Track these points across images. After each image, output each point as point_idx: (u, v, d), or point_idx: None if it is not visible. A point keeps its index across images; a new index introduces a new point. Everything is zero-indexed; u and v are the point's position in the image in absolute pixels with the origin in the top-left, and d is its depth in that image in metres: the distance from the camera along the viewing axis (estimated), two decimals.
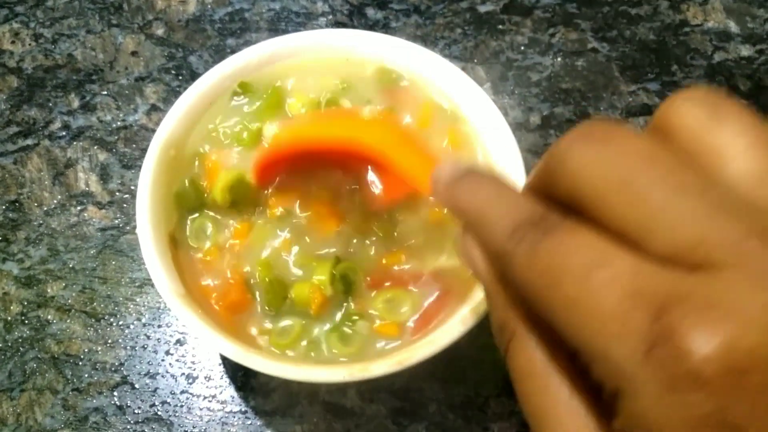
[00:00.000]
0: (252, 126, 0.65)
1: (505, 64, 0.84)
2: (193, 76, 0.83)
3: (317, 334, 0.59)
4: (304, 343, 0.59)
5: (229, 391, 0.67)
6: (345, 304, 0.60)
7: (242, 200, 0.63)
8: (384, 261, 0.61)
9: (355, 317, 0.59)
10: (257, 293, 0.60)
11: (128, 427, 0.66)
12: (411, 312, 0.59)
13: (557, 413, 0.33)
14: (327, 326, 0.59)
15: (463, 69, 0.67)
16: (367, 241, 0.61)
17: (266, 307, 0.59)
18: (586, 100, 0.81)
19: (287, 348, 0.59)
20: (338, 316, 0.59)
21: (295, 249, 0.61)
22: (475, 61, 0.84)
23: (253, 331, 0.59)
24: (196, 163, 0.65)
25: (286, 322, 0.59)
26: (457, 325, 0.56)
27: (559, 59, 0.84)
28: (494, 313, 0.38)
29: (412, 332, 0.59)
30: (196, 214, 0.63)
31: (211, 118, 0.66)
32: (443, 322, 0.58)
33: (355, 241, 0.61)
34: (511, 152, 0.62)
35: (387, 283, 0.60)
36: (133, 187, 0.77)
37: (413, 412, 0.66)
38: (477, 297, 0.57)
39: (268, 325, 0.59)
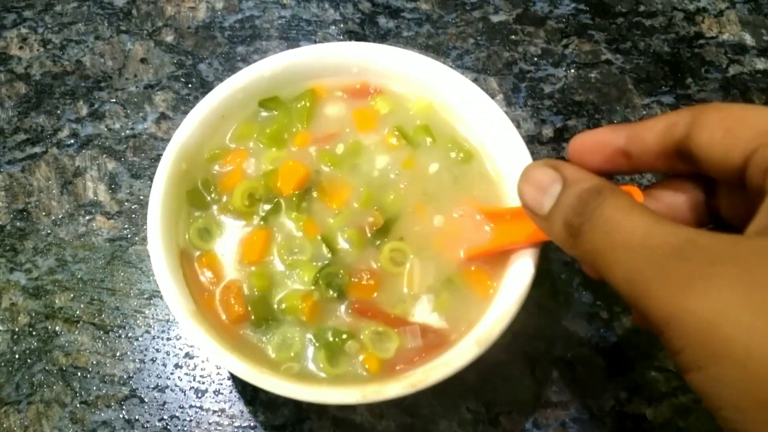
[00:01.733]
0: (273, 137, 0.66)
1: (518, 76, 0.83)
2: (203, 84, 0.82)
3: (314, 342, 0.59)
4: (310, 353, 0.59)
5: (239, 406, 0.67)
6: (338, 309, 0.60)
7: (256, 208, 0.63)
8: (378, 263, 0.61)
9: (345, 335, 0.59)
10: (248, 305, 0.60)
11: None
12: (394, 353, 0.59)
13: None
14: (326, 334, 0.59)
15: (475, 80, 0.67)
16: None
17: (255, 318, 0.60)
18: (600, 112, 0.81)
19: (292, 361, 0.58)
20: (329, 333, 0.59)
21: (292, 257, 0.62)
22: (488, 72, 0.83)
23: (258, 342, 0.59)
24: (216, 167, 0.65)
25: (283, 333, 0.59)
26: (472, 347, 0.55)
27: (572, 71, 0.83)
28: (579, 186, 0.45)
29: (389, 372, 0.58)
30: (203, 213, 0.63)
31: (226, 130, 0.66)
32: (449, 354, 0.57)
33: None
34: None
35: (369, 313, 0.60)
36: (142, 197, 0.76)
37: (424, 428, 0.66)
38: (479, 332, 0.57)
39: (268, 336, 0.59)
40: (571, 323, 0.70)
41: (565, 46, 0.85)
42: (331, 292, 0.60)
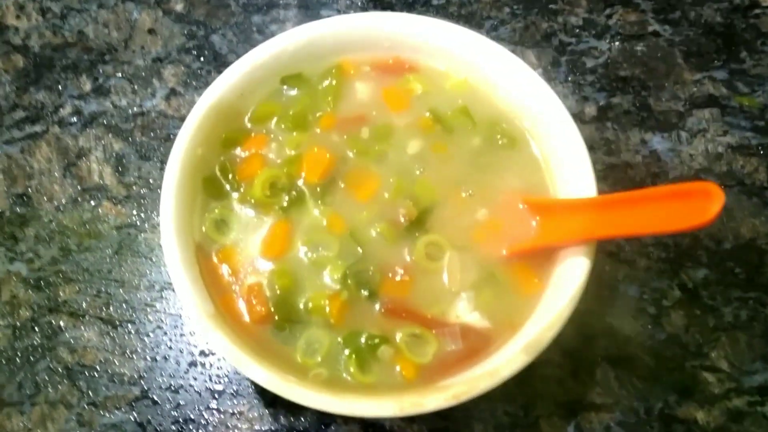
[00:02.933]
0: (297, 119, 0.60)
1: (557, 49, 0.77)
2: (216, 57, 0.76)
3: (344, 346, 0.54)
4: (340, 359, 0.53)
5: (259, 409, 0.62)
6: (369, 309, 0.55)
7: (278, 198, 0.57)
8: (412, 258, 0.56)
9: (377, 340, 0.53)
10: (271, 305, 0.55)
11: None
12: (432, 357, 0.54)
13: None
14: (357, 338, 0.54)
15: (512, 53, 0.60)
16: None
17: (279, 319, 0.54)
18: (646, 89, 0.74)
19: (320, 367, 0.53)
20: (360, 337, 0.54)
21: (317, 253, 0.56)
22: (525, 44, 0.76)
23: (283, 345, 0.54)
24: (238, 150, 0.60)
25: (310, 336, 0.54)
26: (519, 355, 0.50)
27: (616, 43, 0.77)
28: None
29: (427, 379, 0.53)
30: (220, 203, 0.58)
31: (244, 110, 0.60)
32: (493, 360, 0.52)
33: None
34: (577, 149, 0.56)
35: (404, 314, 0.55)
36: (151, 181, 0.70)
37: None
38: (529, 333, 0.52)
39: (293, 339, 0.54)
40: (615, 319, 0.65)
41: (609, 16, 0.78)
42: (362, 291, 0.54)
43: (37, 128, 0.73)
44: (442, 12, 0.78)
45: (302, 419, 0.62)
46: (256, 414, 0.62)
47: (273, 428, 0.61)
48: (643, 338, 0.64)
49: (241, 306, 0.55)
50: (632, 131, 0.72)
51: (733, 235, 0.68)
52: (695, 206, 0.45)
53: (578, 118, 0.73)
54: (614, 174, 0.70)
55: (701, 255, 0.67)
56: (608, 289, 0.66)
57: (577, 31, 0.77)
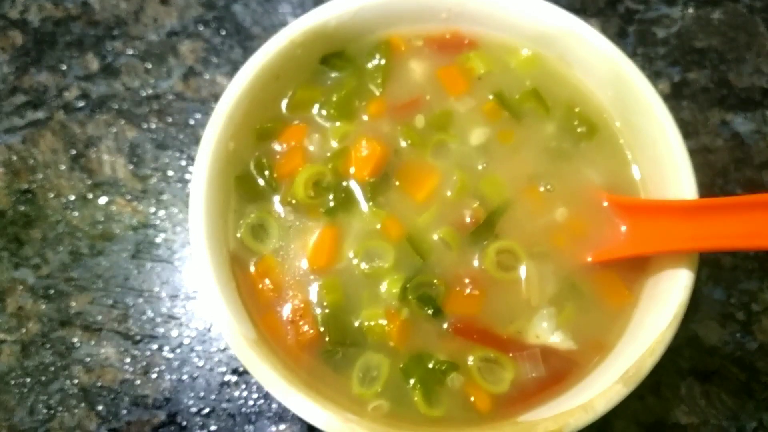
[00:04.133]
0: (342, 106, 0.52)
1: (623, 17, 0.69)
2: (239, 30, 0.67)
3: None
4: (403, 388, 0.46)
5: None
6: (435, 329, 0.47)
7: (323, 199, 0.50)
8: (482, 267, 0.49)
9: (445, 366, 0.46)
10: (320, 325, 0.48)
11: None
12: (509, 385, 0.46)
13: None
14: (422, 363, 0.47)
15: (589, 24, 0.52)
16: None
17: (331, 344, 0.47)
18: (725, 63, 0.67)
19: (379, 398, 0.46)
20: (426, 362, 0.47)
21: (371, 263, 0.49)
22: (587, 12, 0.68)
23: (336, 373, 0.47)
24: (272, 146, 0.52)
25: (367, 361, 0.47)
26: (617, 386, 0.43)
27: (690, 11, 0.69)
28: None
29: (504, 412, 0.46)
30: (257, 206, 0.50)
31: (281, 95, 0.52)
32: (582, 388, 0.45)
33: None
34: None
35: (475, 335, 0.47)
36: (170, 173, 0.62)
37: None
38: (622, 357, 0.45)
39: (347, 366, 0.47)
40: (700, 327, 0.59)
41: None
42: (425, 309, 0.47)
43: (40, 114, 0.65)
44: None
45: None
46: None
47: None
48: (732, 348, 0.58)
49: (286, 327, 0.47)
50: (711, 111, 0.65)
51: None
52: None
53: None
54: (692, 160, 0.62)
55: None
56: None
57: None
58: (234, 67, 0.66)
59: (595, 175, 0.51)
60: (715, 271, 0.59)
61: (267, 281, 0.48)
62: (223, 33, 0.68)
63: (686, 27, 0.68)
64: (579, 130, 0.52)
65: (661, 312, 0.45)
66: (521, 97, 0.53)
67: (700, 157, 0.63)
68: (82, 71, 0.67)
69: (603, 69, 0.52)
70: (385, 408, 0.46)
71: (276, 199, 0.50)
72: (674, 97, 0.65)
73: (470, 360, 0.47)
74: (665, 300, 0.45)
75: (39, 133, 0.64)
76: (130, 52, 0.67)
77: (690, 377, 0.57)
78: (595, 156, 0.52)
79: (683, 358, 0.57)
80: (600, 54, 0.51)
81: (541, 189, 0.51)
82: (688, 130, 0.64)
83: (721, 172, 0.62)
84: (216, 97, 0.64)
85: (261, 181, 0.51)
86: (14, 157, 0.63)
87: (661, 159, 0.49)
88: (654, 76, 0.66)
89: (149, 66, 0.67)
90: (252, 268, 0.49)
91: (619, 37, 0.67)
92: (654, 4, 0.69)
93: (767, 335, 0.58)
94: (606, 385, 0.43)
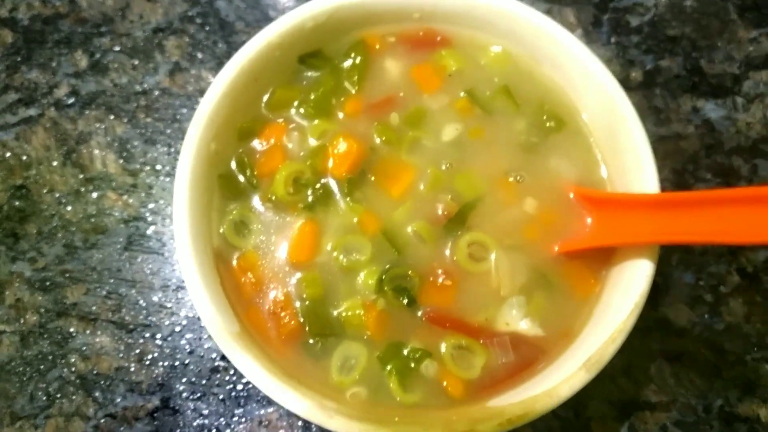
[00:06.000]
0: (319, 104, 0.54)
1: (598, 6, 0.70)
2: (222, 26, 0.69)
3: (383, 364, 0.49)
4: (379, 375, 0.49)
5: (289, 416, 0.57)
6: (410, 319, 0.50)
7: (302, 196, 0.52)
8: (454, 259, 0.51)
9: (419, 353, 0.49)
10: (300, 317, 0.50)
11: None
12: (481, 371, 0.49)
13: None
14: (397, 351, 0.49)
15: (548, 12, 0.55)
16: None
17: (311, 335, 0.50)
18: (698, 50, 0.68)
19: (357, 385, 0.48)
20: (401, 350, 0.49)
21: (348, 256, 0.51)
22: (562, 1, 0.69)
23: (316, 362, 0.49)
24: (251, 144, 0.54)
25: (345, 350, 0.49)
26: (579, 372, 0.45)
27: None
28: None
29: (475, 397, 0.48)
30: (239, 203, 0.53)
31: (260, 95, 0.54)
32: (548, 374, 0.47)
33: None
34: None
35: (448, 323, 0.50)
36: (159, 167, 0.64)
37: None
38: (586, 344, 0.47)
39: (326, 355, 0.49)
40: (670, 309, 0.60)
41: None
42: (400, 299, 0.49)
43: (32, 111, 0.67)
44: None
45: None
46: (285, 423, 0.57)
47: None
48: (701, 329, 0.60)
49: (268, 319, 0.50)
50: (683, 98, 0.66)
51: None
52: None
53: (623, 84, 0.65)
54: (664, 146, 0.64)
55: None
56: (661, 275, 0.61)
57: None
58: (219, 63, 0.67)
59: (563, 168, 0.53)
60: (686, 256, 0.61)
61: (250, 275, 0.50)
62: (207, 29, 0.69)
63: (659, 15, 0.69)
64: (548, 125, 0.54)
65: (623, 301, 0.47)
66: (492, 94, 0.54)
67: (672, 143, 0.65)
68: (71, 68, 0.68)
69: (570, 66, 0.53)
70: (363, 395, 0.48)
71: (257, 196, 0.52)
72: (647, 85, 0.66)
73: (443, 347, 0.49)
74: (627, 290, 0.47)
75: (31, 129, 0.66)
76: (117, 48, 0.69)
77: (660, 358, 0.59)
78: (563, 150, 0.53)
79: (654, 340, 0.59)
80: (568, 51, 0.53)
81: (511, 179, 0.52)
82: (660, 118, 0.65)
83: (692, 157, 0.64)
84: (201, 93, 0.65)
85: (242, 179, 0.53)
86: (8, 154, 0.65)
87: (626, 153, 0.50)
88: (628, 65, 0.67)
89: (136, 62, 0.68)
90: (235, 263, 0.51)
91: (593, 26, 0.68)
92: None
93: (735, 316, 0.60)
94: (570, 372, 0.46)
